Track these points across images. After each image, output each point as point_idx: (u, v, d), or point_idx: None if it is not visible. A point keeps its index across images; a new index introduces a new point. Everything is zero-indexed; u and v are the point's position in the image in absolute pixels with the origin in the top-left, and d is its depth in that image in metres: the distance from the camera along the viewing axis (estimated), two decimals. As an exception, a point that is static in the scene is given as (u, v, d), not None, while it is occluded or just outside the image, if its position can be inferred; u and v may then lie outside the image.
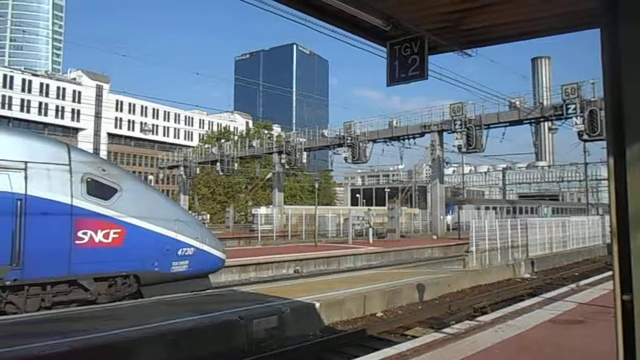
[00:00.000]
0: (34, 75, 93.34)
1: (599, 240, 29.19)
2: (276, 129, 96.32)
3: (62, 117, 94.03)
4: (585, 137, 33.20)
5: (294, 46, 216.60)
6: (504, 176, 59.94)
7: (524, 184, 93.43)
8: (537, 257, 21.30)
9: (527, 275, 18.76)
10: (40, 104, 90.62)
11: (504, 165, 72.53)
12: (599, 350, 6.63)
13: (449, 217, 33.46)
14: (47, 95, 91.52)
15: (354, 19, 4.02)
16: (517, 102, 36.89)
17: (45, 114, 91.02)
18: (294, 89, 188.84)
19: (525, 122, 37.97)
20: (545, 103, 37.89)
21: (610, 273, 12.57)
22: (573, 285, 13.21)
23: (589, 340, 7.36)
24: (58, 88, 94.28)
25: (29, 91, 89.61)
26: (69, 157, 9.87)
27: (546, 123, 39.54)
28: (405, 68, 4.41)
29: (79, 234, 9.62)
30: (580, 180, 67.39)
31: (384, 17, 3.90)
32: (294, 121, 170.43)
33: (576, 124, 32.88)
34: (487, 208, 50.28)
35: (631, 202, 1.83)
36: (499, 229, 19.89)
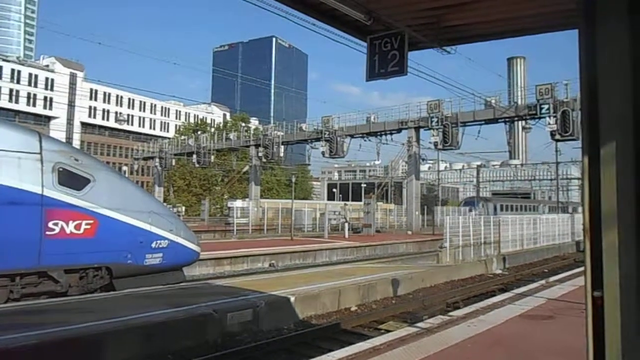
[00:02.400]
0: (4, 60, 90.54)
1: (568, 237, 29.91)
2: (254, 122, 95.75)
3: (34, 105, 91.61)
4: (557, 136, 33.90)
5: (273, 39, 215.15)
6: (478, 173, 60.78)
7: (497, 182, 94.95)
8: (509, 253, 21.70)
9: (499, 271, 19.11)
10: (11, 90, 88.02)
11: (479, 163, 73.53)
12: (567, 344, 6.80)
13: (472, 213, 34.84)
14: (18, 82, 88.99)
15: (334, 12, 4.00)
16: (493, 101, 37.46)
17: (17, 101, 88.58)
18: (272, 82, 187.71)
19: (500, 120, 38.57)
20: (519, 102, 38.56)
21: (578, 270, 12.95)
22: (543, 282, 13.53)
23: (558, 335, 7.54)
24: (30, 75, 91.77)
25: (0, 77, 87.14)
26: (40, 146, 9.63)
27: (520, 122, 40.25)
28: (385, 63, 4.42)
29: (50, 224, 9.40)
30: (551, 179, 68.82)
31: (365, 11, 3.90)
32: (271, 114, 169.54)
33: (549, 123, 33.53)
34: (501, 206, 53.21)
35: (603, 201, 1.87)
36: (472, 225, 20.19)
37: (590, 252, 1.91)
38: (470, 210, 43.59)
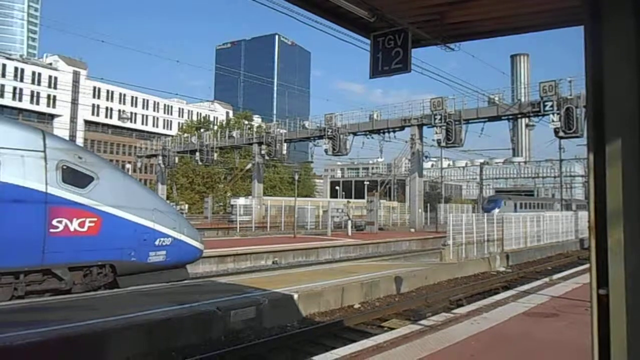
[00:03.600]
0: (8, 59, 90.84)
1: (571, 235, 29.83)
2: (257, 120, 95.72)
3: (38, 103, 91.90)
4: (561, 134, 33.77)
5: (276, 36, 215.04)
6: (481, 171, 60.63)
7: (500, 179, 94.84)
8: (512, 251, 21.66)
9: (502, 269, 19.08)
10: (15, 89, 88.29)
11: (482, 160, 73.40)
12: (572, 342, 6.79)
13: (496, 211, 35.60)
14: (21, 80, 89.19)
15: (338, 9, 3.99)
16: (496, 98, 37.31)
17: (20, 100, 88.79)
18: (275, 79, 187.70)
19: (503, 118, 38.43)
20: (523, 100, 38.47)
21: (582, 267, 12.92)
22: (546, 279, 13.49)
23: (562, 332, 7.52)
24: (33, 73, 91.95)
25: (3, 76, 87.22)
26: (44, 144, 9.64)
27: (523, 119, 40.15)
28: (388, 60, 4.41)
29: (54, 222, 9.42)
30: (554, 177, 68.66)
31: (368, 8, 3.89)
32: (274, 112, 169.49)
33: (553, 121, 33.41)
34: (520, 204, 54.97)
35: (609, 198, 1.86)
36: (475, 223, 20.15)
37: (596, 249, 1.90)
38: (494, 208, 45.01)
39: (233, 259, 19.91)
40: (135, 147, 74.44)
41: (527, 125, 41.10)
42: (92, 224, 10.00)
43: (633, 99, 1.82)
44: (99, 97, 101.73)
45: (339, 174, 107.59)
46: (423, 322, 8.33)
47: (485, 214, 24.04)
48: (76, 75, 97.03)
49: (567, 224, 30.00)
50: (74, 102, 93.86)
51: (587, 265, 2.24)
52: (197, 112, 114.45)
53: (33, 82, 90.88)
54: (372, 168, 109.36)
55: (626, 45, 1.84)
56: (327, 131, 42.86)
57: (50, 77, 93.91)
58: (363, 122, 43.52)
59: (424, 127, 41.26)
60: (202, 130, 65.28)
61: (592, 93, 1.93)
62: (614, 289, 1.84)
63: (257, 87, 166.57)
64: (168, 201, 36.72)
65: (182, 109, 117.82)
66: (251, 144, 51.85)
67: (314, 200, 58.88)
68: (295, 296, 10.00)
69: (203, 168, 66.13)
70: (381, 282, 12.68)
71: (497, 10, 3.80)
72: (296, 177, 44.47)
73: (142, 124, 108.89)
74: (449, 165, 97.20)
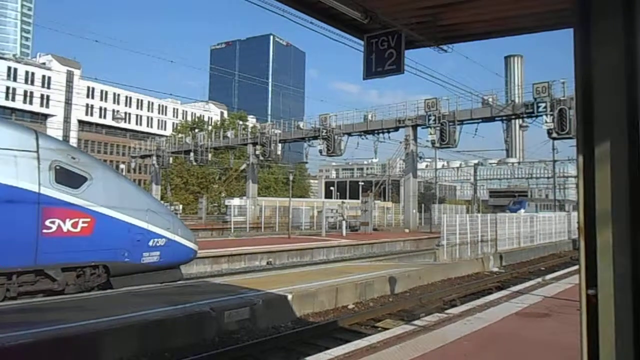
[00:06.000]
0: (1, 58, 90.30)
1: (564, 235, 29.99)
2: (251, 120, 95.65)
3: (31, 103, 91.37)
4: (554, 135, 33.95)
5: (271, 37, 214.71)
6: (475, 172, 60.82)
7: (494, 180, 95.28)
8: (506, 251, 21.75)
9: (496, 269, 19.15)
10: (8, 88, 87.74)
11: (476, 161, 73.68)
12: (563, 342, 6.83)
13: (522, 211, 37.39)
14: (15, 79, 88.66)
15: (331, 10, 4.00)
16: (490, 99, 37.47)
17: (13, 99, 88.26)
18: (270, 79, 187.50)
19: (497, 119, 38.60)
20: (516, 101, 38.61)
21: (575, 268, 13.00)
22: (539, 279, 13.56)
23: (553, 332, 7.56)
24: (27, 73, 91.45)
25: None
26: (37, 144, 9.60)
27: (517, 120, 40.34)
28: (382, 62, 4.43)
29: (47, 222, 9.38)
30: (548, 177, 69.06)
31: (361, 9, 3.90)
32: (269, 112, 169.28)
33: (546, 122, 33.61)
34: (541, 205, 58.60)
35: (598, 199, 1.88)
36: (469, 223, 20.22)
37: (585, 250, 1.92)
38: (520, 209, 48.41)
39: (227, 260, 19.88)
40: (129, 148, 74.09)
41: (520, 126, 41.25)
42: (86, 225, 9.96)
43: (621, 102, 1.84)
44: (92, 97, 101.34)
45: (333, 174, 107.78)
46: (416, 322, 8.35)
47: (511, 213, 24.80)
48: (70, 75, 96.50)
49: (560, 224, 30.17)
50: (68, 102, 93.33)
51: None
52: (192, 113, 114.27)
53: (26, 82, 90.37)
54: (367, 168, 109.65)
55: (615, 48, 1.86)
56: (322, 132, 42.88)
57: (43, 76, 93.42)
58: (358, 123, 43.57)
59: (418, 128, 41.39)
60: (196, 130, 65.21)
61: (581, 95, 1.95)
62: (602, 289, 1.85)
63: (251, 87, 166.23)
64: (162, 202, 36.63)
65: (177, 109, 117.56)
66: (246, 144, 51.81)
67: (308, 201, 58.87)
68: (290, 297, 10.01)
69: (197, 168, 66.02)
70: (375, 283, 12.71)
71: (490, 12, 3.83)
72: (291, 177, 44.53)
73: (136, 124, 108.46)
74: (443, 166, 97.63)
